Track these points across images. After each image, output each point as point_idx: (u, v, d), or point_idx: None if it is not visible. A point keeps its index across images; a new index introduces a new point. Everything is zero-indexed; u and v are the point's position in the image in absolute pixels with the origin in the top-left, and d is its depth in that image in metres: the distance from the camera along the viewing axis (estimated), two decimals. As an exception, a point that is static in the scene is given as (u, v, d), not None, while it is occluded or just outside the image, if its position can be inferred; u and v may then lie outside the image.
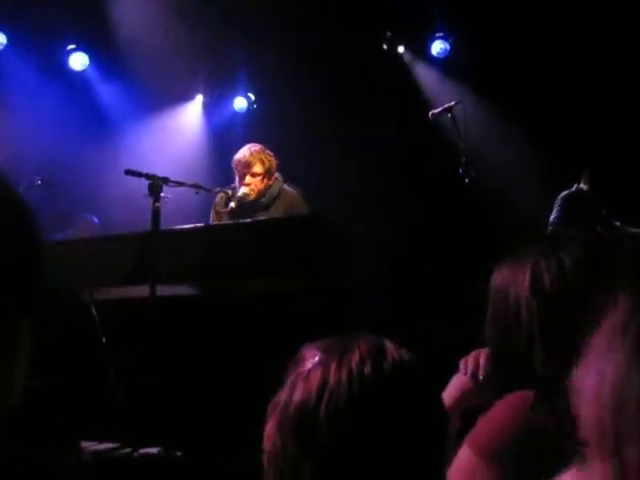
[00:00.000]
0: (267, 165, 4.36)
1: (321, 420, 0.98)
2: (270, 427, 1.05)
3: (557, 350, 1.39)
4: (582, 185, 5.16)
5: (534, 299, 1.43)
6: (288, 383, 1.05)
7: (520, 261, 1.49)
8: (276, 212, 4.33)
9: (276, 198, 4.38)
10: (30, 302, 0.87)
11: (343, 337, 1.08)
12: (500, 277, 1.54)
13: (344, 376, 0.99)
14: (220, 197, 4.41)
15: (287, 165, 4.64)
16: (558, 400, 1.33)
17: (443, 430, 1.07)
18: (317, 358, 1.04)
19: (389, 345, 1.05)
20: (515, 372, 1.46)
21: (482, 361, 1.66)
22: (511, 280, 1.49)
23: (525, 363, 1.43)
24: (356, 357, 1.01)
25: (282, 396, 1.04)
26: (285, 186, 4.47)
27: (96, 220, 6.94)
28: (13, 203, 0.99)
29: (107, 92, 7.41)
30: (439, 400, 1.11)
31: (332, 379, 1.00)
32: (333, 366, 1.01)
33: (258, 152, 4.39)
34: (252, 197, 4.32)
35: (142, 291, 3.43)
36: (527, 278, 1.45)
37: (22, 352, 0.85)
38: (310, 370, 1.03)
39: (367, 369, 1.00)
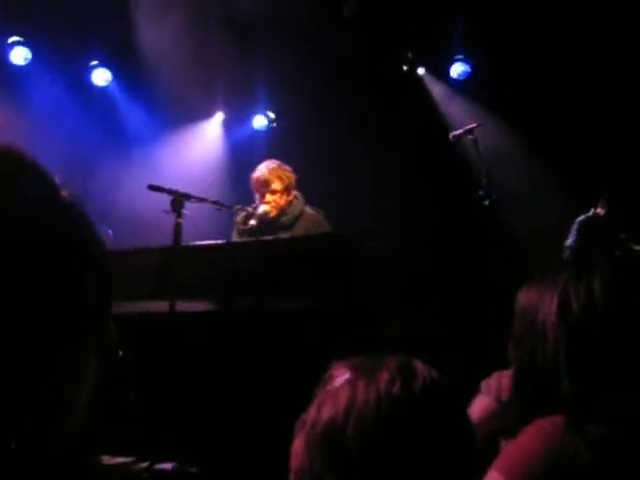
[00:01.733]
0: (286, 181, 4.31)
1: (348, 438, 0.97)
2: (298, 444, 1.04)
3: (583, 376, 1.39)
4: (599, 210, 5.15)
5: (562, 323, 1.42)
6: (317, 401, 1.04)
7: (548, 284, 1.49)
8: (299, 231, 4.27)
9: (298, 217, 4.33)
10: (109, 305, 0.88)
11: (373, 356, 1.08)
12: (527, 299, 1.53)
13: (372, 395, 0.99)
14: (241, 215, 4.35)
15: (307, 184, 4.63)
16: (589, 426, 1.33)
17: (472, 451, 1.06)
18: (346, 376, 1.04)
19: (418, 365, 1.05)
20: (539, 396, 1.45)
21: (505, 383, 1.66)
22: (538, 303, 1.48)
23: (550, 387, 1.42)
24: (385, 376, 1.01)
25: (310, 414, 1.04)
26: (307, 207, 4.42)
27: (110, 232, 6.99)
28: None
29: (129, 108, 7.49)
30: (469, 421, 1.09)
31: (360, 398, 0.99)
32: (361, 385, 1.00)
33: (275, 169, 4.33)
34: (273, 214, 4.27)
35: (162, 306, 3.43)
36: (555, 302, 1.44)
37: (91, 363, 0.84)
38: (339, 388, 1.02)
39: (396, 389, 0.99)
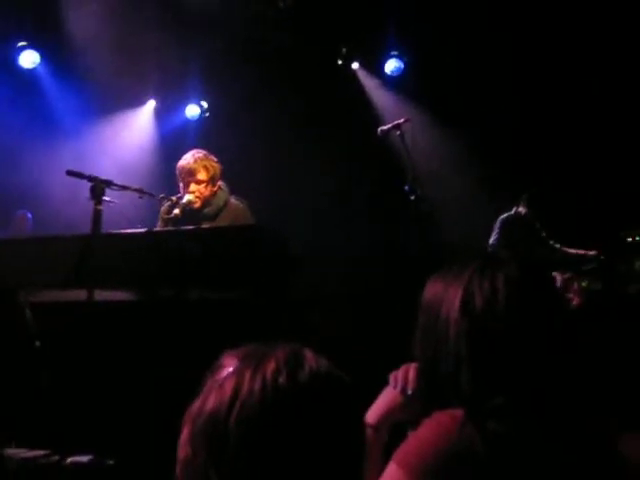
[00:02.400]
0: (212, 172, 4.26)
1: (231, 430, 0.95)
2: (184, 436, 1.02)
3: (484, 371, 1.40)
4: (521, 208, 5.24)
5: (464, 318, 1.43)
6: (204, 391, 1.02)
7: (453, 278, 1.49)
8: (222, 223, 4.24)
9: (222, 208, 4.29)
10: None
11: (263, 345, 1.05)
12: (432, 292, 1.53)
13: (257, 385, 0.97)
14: (166, 205, 4.30)
15: (237, 174, 4.60)
16: (486, 420, 1.34)
17: (359, 443, 1.04)
18: (234, 366, 1.02)
19: (308, 354, 1.02)
20: (442, 390, 1.46)
21: (411, 375, 1.66)
22: (443, 296, 1.48)
23: (452, 381, 1.43)
24: (272, 366, 0.98)
25: (196, 404, 1.01)
26: (232, 198, 4.39)
27: (30, 215, 6.85)
28: None
29: (57, 91, 7.30)
30: (356, 412, 1.08)
31: (245, 388, 0.97)
32: (248, 375, 0.98)
33: (202, 159, 4.28)
34: (197, 205, 4.23)
35: (79, 295, 3.35)
36: (459, 296, 1.45)
37: None
38: (225, 378, 1.00)
39: (282, 379, 0.97)
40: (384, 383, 1.75)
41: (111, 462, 3.40)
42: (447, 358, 1.44)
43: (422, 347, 1.53)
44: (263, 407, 0.95)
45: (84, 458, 3.40)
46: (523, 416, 1.34)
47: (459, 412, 1.36)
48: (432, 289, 1.53)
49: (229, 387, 0.98)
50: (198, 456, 0.97)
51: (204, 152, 4.37)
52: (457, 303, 1.44)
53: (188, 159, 4.28)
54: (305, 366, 1.00)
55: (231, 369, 1.01)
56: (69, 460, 3.41)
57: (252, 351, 1.04)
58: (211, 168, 4.27)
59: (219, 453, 0.95)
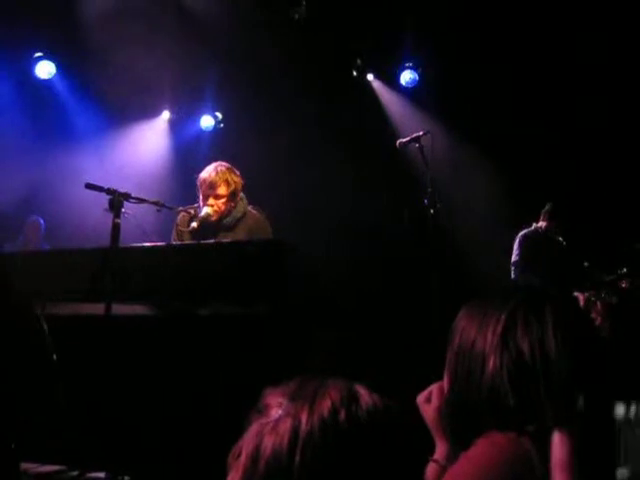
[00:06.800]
0: (232, 187, 4.18)
1: (295, 473, 0.92)
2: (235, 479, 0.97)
3: (528, 399, 1.38)
4: (541, 223, 5.20)
5: (505, 352, 1.40)
6: (252, 433, 0.97)
7: (494, 307, 1.46)
8: (240, 233, 4.19)
9: (240, 219, 4.23)
10: None
11: (309, 381, 1.01)
12: (467, 321, 1.50)
13: (316, 426, 0.93)
14: (182, 216, 4.24)
15: (251, 186, 4.56)
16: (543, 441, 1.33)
17: (419, 471, 1.03)
18: (284, 406, 0.97)
19: (361, 391, 1.00)
20: (473, 415, 1.44)
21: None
22: (480, 329, 1.46)
23: (488, 408, 1.40)
24: (328, 405, 0.95)
25: (246, 447, 0.96)
26: (250, 208, 4.32)
27: (42, 221, 6.86)
28: None
29: (72, 102, 7.31)
30: (412, 442, 1.06)
31: (304, 429, 0.93)
32: (304, 415, 0.94)
33: (224, 172, 4.18)
34: (215, 218, 4.16)
35: (97, 308, 3.32)
36: (499, 330, 1.42)
37: None
38: (278, 420, 0.96)
39: (341, 418, 0.94)
40: (407, 401, 1.72)
41: (127, 478, 3.37)
42: (480, 387, 1.42)
43: (454, 373, 1.51)
44: (325, 448, 0.93)
45: (100, 475, 3.37)
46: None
47: (511, 433, 1.35)
48: (467, 318, 1.50)
49: (285, 429, 0.94)
50: None
51: (227, 165, 4.28)
52: (497, 337, 1.41)
53: (210, 171, 4.19)
54: (361, 403, 0.97)
55: (280, 409, 0.97)
56: (85, 476, 3.38)
57: (300, 389, 1.00)
58: (232, 183, 4.19)
59: None
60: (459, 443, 1.50)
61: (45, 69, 7.02)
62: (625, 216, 5.72)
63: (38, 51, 6.96)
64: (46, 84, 7.17)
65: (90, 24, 6.65)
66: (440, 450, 1.66)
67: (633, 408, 2.02)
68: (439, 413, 1.63)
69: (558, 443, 1.32)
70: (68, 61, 7.12)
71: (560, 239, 5.10)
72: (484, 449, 1.36)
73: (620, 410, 2.00)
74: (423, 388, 1.71)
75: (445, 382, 1.56)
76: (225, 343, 3.30)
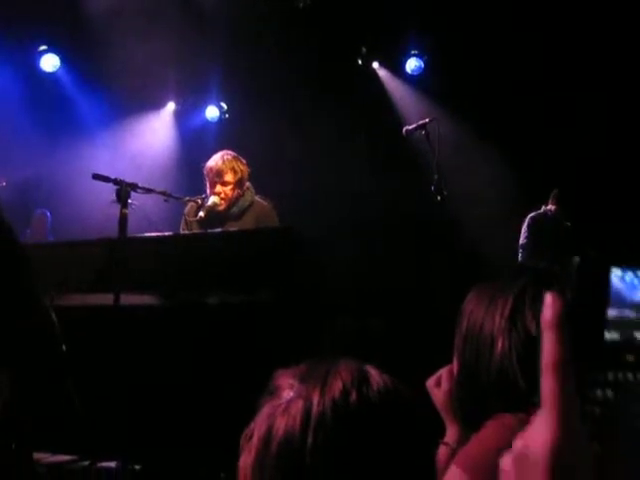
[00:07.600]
0: (239, 174, 4.25)
1: (307, 454, 0.91)
2: (246, 462, 0.97)
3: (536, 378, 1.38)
4: (550, 206, 5.19)
5: (512, 334, 1.40)
6: (264, 415, 0.97)
7: (502, 289, 1.47)
8: (247, 222, 4.22)
9: (247, 209, 4.27)
10: None
11: (319, 363, 1.01)
12: (475, 303, 1.50)
13: (328, 407, 0.93)
14: (190, 206, 4.29)
15: (257, 176, 4.57)
16: None
17: (431, 453, 1.05)
18: (295, 388, 0.97)
19: (372, 371, 0.99)
20: (483, 397, 1.44)
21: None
22: (487, 310, 1.46)
23: (498, 390, 1.41)
24: (339, 385, 0.95)
25: (258, 429, 0.96)
26: (257, 197, 4.36)
27: (49, 214, 6.89)
28: None
29: (77, 94, 7.33)
30: (424, 423, 1.06)
31: (315, 410, 0.93)
32: (316, 397, 0.94)
33: (230, 160, 4.25)
34: (222, 207, 4.20)
35: (106, 299, 3.33)
36: (507, 312, 1.42)
37: None
38: (289, 401, 0.95)
39: (352, 398, 0.94)
40: (417, 384, 1.73)
41: (137, 467, 3.39)
42: (489, 369, 1.42)
43: (464, 355, 1.51)
44: (337, 429, 0.92)
45: (111, 464, 3.39)
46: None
47: (520, 415, 1.34)
48: (475, 301, 1.51)
49: (297, 410, 0.94)
50: None
51: (233, 154, 4.34)
52: (505, 319, 1.41)
53: (217, 160, 4.26)
54: (372, 383, 0.97)
55: (292, 391, 0.97)
56: (96, 465, 3.40)
57: (311, 370, 1.00)
58: (239, 171, 4.25)
59: (296, 478, 0.92)
60: (469, 426, 1.51)
61: (50, 62, 7.05)
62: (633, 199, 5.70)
63: (43, 44, 6.98)
64: (51, 77, 7.19)
65: (94, 16, 6.64)
66: (450, 433, 1.66)
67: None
68: (449, 397, 1.64)
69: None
70: (72, 54, 7.14)
71: (568, 223, 5.09)
72: (494, 431, 1.36)
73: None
74: (433, 372, 1.72)
75: (454, 365, 1.57)
76: (234, 331, 3.31)
